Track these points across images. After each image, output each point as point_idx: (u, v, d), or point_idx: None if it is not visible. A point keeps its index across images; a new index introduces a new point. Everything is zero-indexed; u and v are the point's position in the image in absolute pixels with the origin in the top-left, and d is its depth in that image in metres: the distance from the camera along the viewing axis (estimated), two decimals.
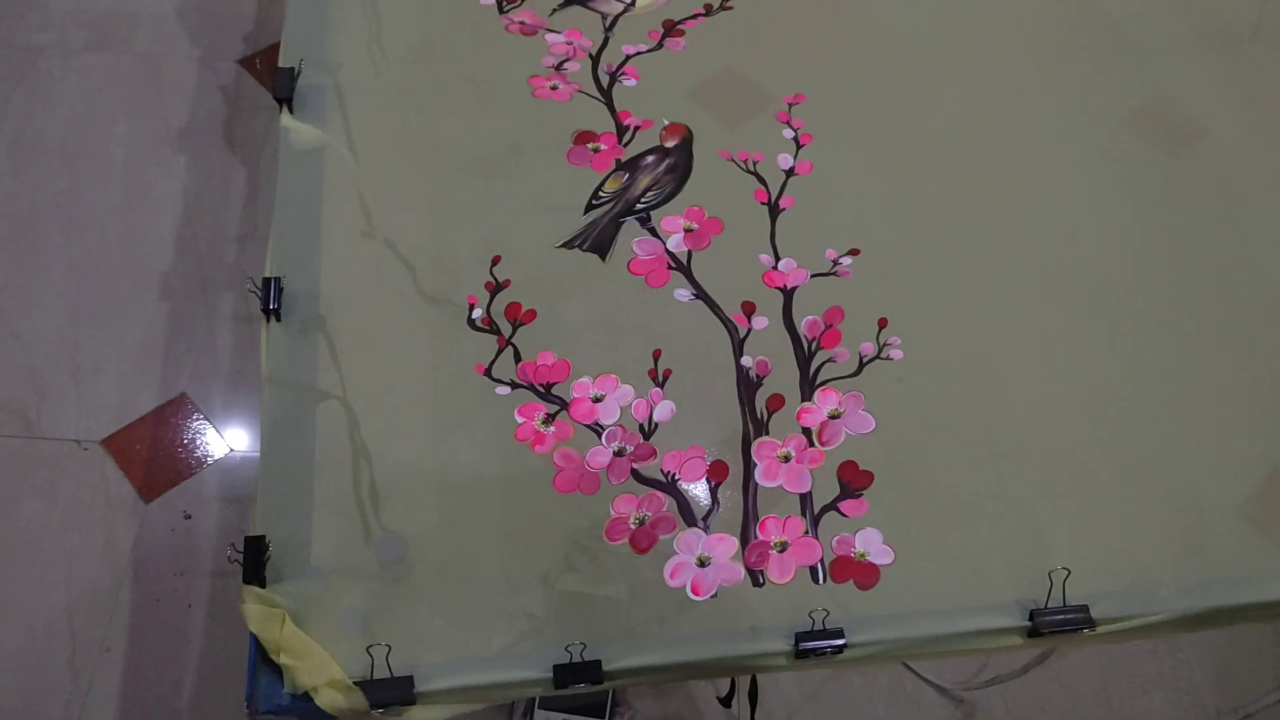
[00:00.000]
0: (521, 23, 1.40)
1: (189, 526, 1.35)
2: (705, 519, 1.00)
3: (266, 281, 1.11)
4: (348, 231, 1.20)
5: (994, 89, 1.40)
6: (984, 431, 1.09)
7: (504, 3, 1.42)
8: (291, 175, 1.23)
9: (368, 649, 0.91)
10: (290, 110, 1.28)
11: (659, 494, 1.02)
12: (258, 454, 1.02)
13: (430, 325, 1.13)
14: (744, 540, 0.99)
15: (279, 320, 1.11)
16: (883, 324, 1.14)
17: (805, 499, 1.02)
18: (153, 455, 1.40)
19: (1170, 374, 1.15)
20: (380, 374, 1.10)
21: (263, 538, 0.96)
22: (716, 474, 1.03)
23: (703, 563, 0.98)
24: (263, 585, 0.94)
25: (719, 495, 1.02)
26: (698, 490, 1.02)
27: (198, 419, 1.43)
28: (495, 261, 1.17)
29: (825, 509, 1.02)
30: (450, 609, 0.96)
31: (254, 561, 0.95)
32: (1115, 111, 1.39)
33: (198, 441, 1.42)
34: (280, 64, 1.31)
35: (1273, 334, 1.19)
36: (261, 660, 0.93)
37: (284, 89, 1.28)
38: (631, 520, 1.00)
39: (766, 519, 1.00)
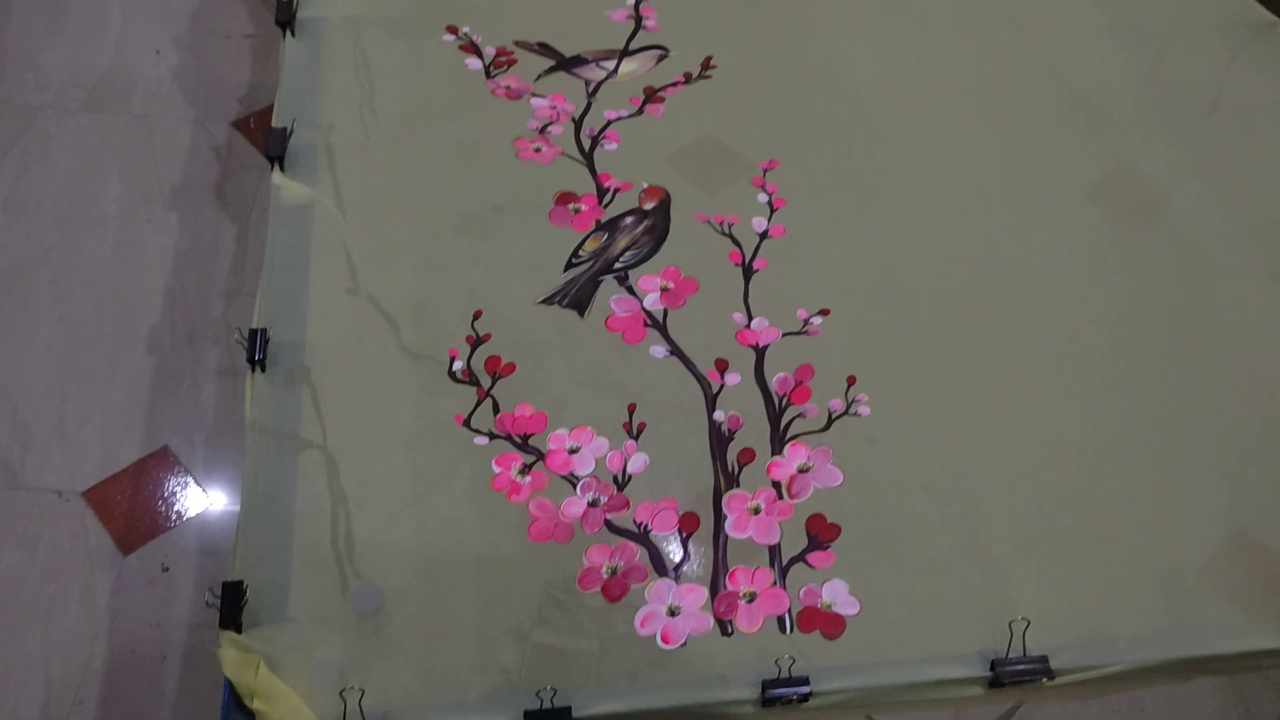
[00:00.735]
0: (508, 87, 1.45)
1: (167, 579, 1.36)
2: (676, 569, 1.02)
3: (253, 333, 1.14)
4: (334, 286, 1.23)
5: (964, 157, 1.45)
6: (951, 487, 1.12)
7: (491, 68, 1.47)
8: (281, 230, 1.26)
9: (340, 693, 0.92)
10: (282, 168, 1.32)
11: (631, 544, 1.04)
12: (238, 507, 1.04)
13: (412, 379, 1.16)
14: (713, 590, 1.01)
15: (264, 371, 1.13)
16: (851, 382, 1.17)
17: (774, 550, 1.04)
18: (133, 507, 1.41)
19: (1135, 436, 1.18)
20: (362, 425, 1.12)
21: (240, 583, 0.98)
22: (688, 525, 1.05)
23: (673, 612, 1.00)
24: (239, 631, 0.96)
25: (690, 546, 1.04)
26: (669, 541, 1.04)
27: (179, 472, 1.45)
28: (477, 316, 1.20)
29: (793, 560, 1.04)
30: (425, 662, 0.97)
31: (231, 607, 0.96)
32: (1081, 180, 1.44)
33: (178, 494, 1.43)
34: (273, 124, 1.35)
35: (1236, 399, 1.23)
36: (235, 706, 0.94)
37: (276, 148, 1.32)
38: (604, 570, 1.02)
39: (736, 570, 1.02)
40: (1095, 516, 1.11)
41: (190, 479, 1.45)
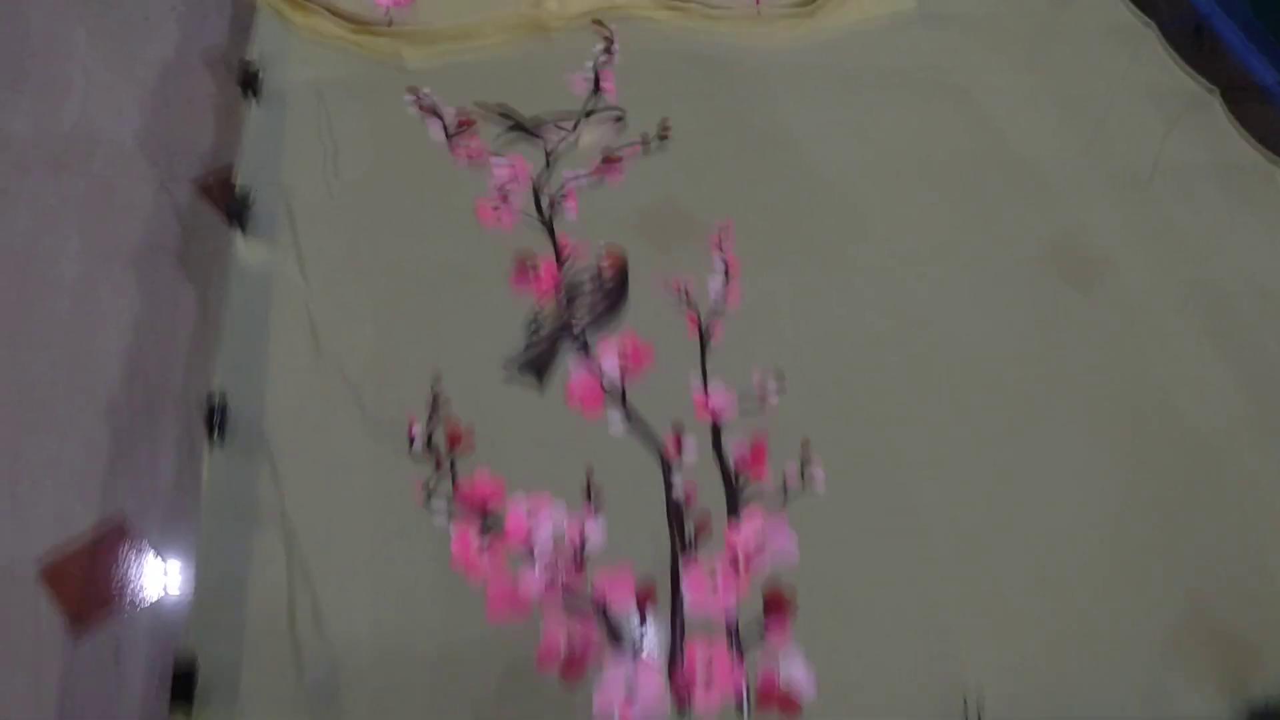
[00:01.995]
0: (468, 150, 1.46)
1: (119, 655, 1.34)
2: (634, 644, 1.02)
3: (211, 402, 1.14)
4: (295, 352, 1.23)
5: (914, 223, 1.48)
6: (907, 557, 1.13)
7: (452, 130, 1.48)
8: (240, 294, 1.27)
9: None
10: (243, 230, 1.32)
11: (589, 621, 1.04)
12: (193, 581, 1.03)
13: (372, 448, 1.16)
14: (670, 664, 1.01)
15: (222, 439, 1.13)
16: (806, 450, 1.19)
17: (730, 620, 1.05)
18: (86, 581, 1.39)
19: (1088, 504, 1.20)
20: (321, 498, 1.12)
21: (193, 659, 0.97)
22: (645, 598, 1.05)
23: (630, 691, 1.00)
24: (189, 712, 0.95)
25: (647, 619, 1.04)
26: (626, 615, 1.04)
27: (134, 543, 1.43)
28: (437, 381, 1.20)
29: (749, 632, 1.04)
30: None
31: (183, 684, 0.95)
32: (1029, 246, 1.47)
33: (133, 567, 1.41)
34: (235, 185, 1.35)
35: (1185, 464, 1.25)
36: None
37: (237, 210, 1.33)
38: (562, 649, 1.02)
39: (693, 644, 1.03)
40: (1051, 590, 1.13)
41: (145, 551, 1.43)
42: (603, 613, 1.04)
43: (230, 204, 1.33)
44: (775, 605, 1.06)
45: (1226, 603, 1.12)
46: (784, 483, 1.16)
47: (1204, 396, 1.32)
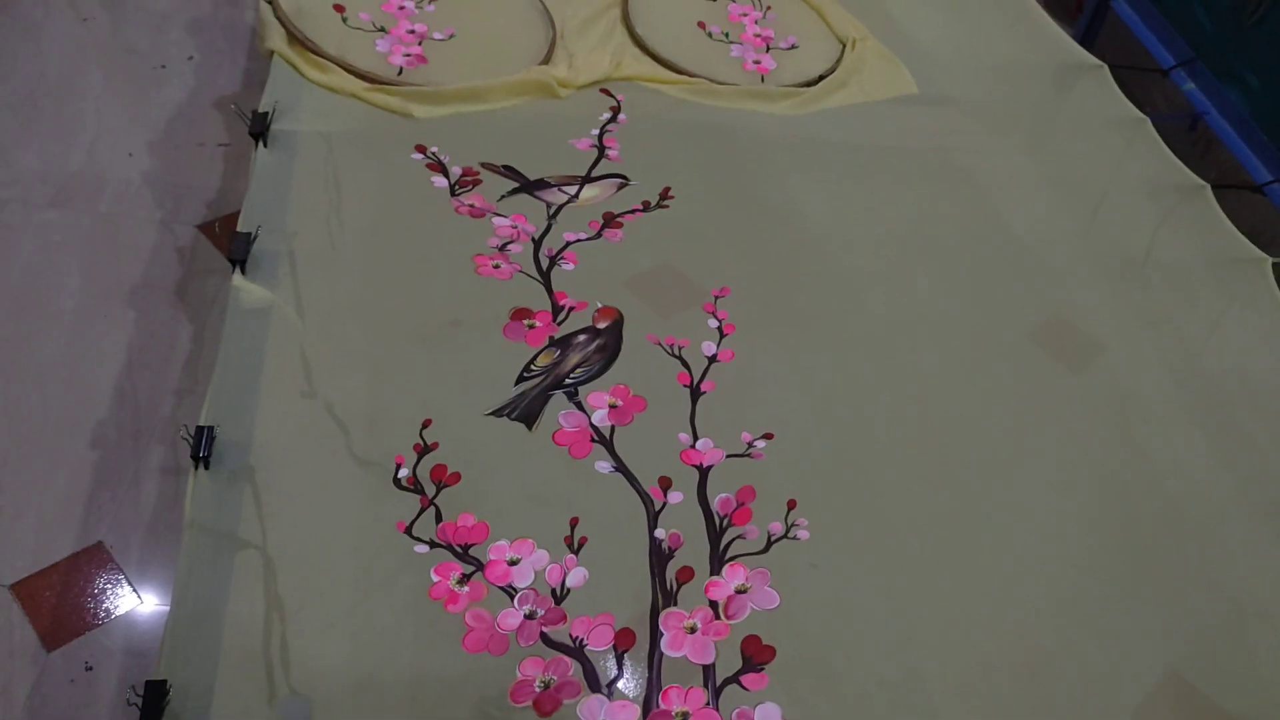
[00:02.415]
0: (471, 205, 1.49)
1: (89, 678, 1.32)
2: (610, 685, 1.02)
3: (199, 429, 1.14)
4: (288, 389, 1.24)
5: (908, 296, 1.51)
6: (888, 618, 1.13)
7: (456, 186, 1.52)
8: (237, 331, 1.28)
9: None
10: (244, 271, 1.34)
11: (566, 658, 1.03)
12: (169, 608, 1.03)
13: (359, 485, 1.16)
14: (646, 709, 1.01)
15: (207, 468, 1.13)
16: (792, 505, 1.19)
17: (708, 670, 1.04)
18: (61, 602, 1.38)
19: (1070, 575, 1.21)
20: (304, 529, 1.11)
21: (164, 683, 0.96)
22: (624, 641, 1.05)
23: None
24: None
25: (624, 662, 1.04)
26: (605, 657, 1.04)
27: (112, 569, 1.42)
28: (426, 424, 1.21)
29: (727, 681, 1.04)
30: None
31: (152, 707, 0.94)
32: (1022, 324, 1.50)
33: (109, 592, 1.40)
34: (238, 228, 1.38)
35: (1170, 542, 1.26)
36: None
37: (239, 251, 1.35)
38: (537, 683, 1.01)
39: (669, 689, 1.02)
40: (1031, 657, 1.12)
41: (123, 577, 1.42)
42: (580, 652, 1.03)
43: (234, 244, 1.35)
44: (754, 652, 1.05)
45: (1208, 679, 1.12)
46: (768, 536, 1.16)
47: (1191, 479, 1.34)
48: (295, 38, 1.67)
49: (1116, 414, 1.40)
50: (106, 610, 1.38)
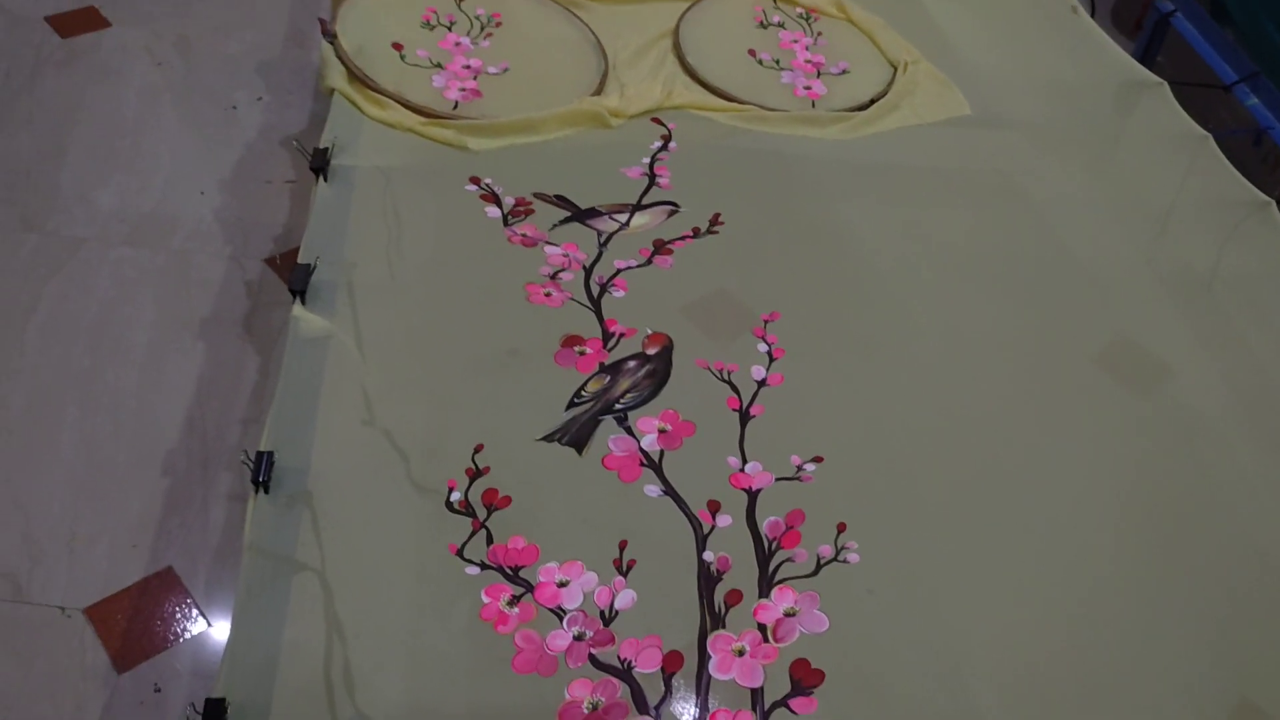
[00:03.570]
0: (524, 235, 1.52)
1: (158, 700, 1.36)
2: (657, 707, 1.02)
3: (259, 455, 1.18)
4: (346, 417, 1.27)
5: (963, 319, 1.49)
6: (940, 643, 1.12)
7: (509, 216, 1.55)
8: (297, 359, 1.31)
9: None
10: (303, 302, 1.38)
11: (614, 680, 1.04)
12: (230, 626, 1.05)
13: (416, 512, 1.18)
14: None
15: (267, 492, 1.16)
16: (841, 529, 1.19)
17: (756, 694, 1.04)
18: (131, 626, 1.42)
19: (1134, 601, 1.18)
20: (360, 553, 1.14)
21: (223, 700, 0.99)
22: (671, 664, 1.06)
23: None
24: None
25: (673, 685, 1.04)
26: (652, 679, 1.05)
27: (180, 593, 1.47)
28: (478, 449, 1.23)
29: (776, 705, 1.03)
30: None
31: None
32: (1084, 348, 1.47)
33: (177, 615, 1.44)
34: (299, 260, 1.42)
35: (1238, 568, 1.22)
36: None
37: (299, 282, 1.39)
38: (585, 705, 1.02)
39: (717, 712, 1.02)
40: (1091, 685, 1.10)
41: (191, 601, 1.46)
42: (628, 674, 1.04)
43: (294, 275, 1.39)
44: (802, 676, 1.05)
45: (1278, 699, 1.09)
46: (818, 559, 1.16)
47: (1261, 506, 1.30)
48: (355, 75, 1.72)
49: (1185, 439, 1.37)
50: (175, 633, 1.43)
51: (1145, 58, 2.23)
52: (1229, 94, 2.03)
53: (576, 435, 1.27)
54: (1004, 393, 1.40)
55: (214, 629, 1.44)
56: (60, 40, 2.34)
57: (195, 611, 1.45)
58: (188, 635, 1.43)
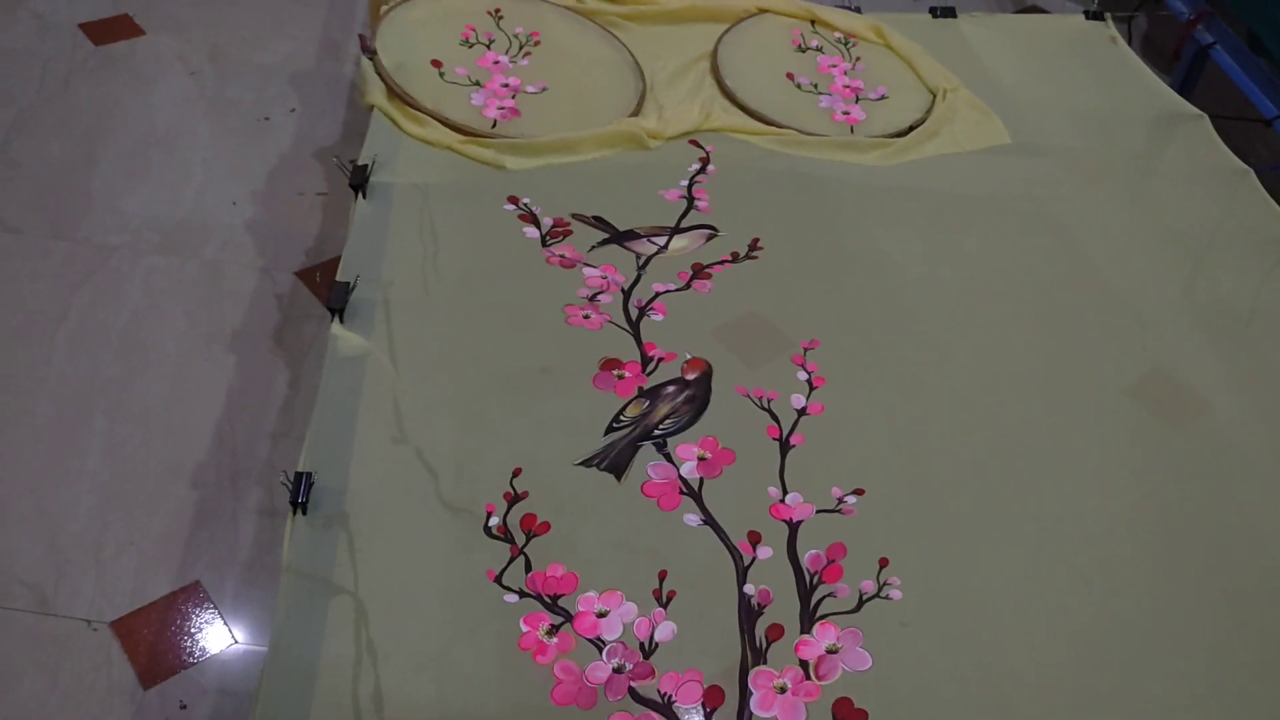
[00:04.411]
0: (562, 256, 1.51)
1: (184, 717, 1.35)
2: None
3: (298, 475, 1.17)
4: (380, 436, 1.26)
5: (1001, 349, 1.48)
6: (982, 680, 1.10)
7: (547, 237, 1.54)
8: (334, 379, 1.30)
9: None
10: (341, 320, 1.37)
11: (654, 715, 1.02)
12: (262, 648, 1.05)
13: (449, 532, 1.17)
14: None
15: (304, 514, 1.15)
16: (884, 564, 1.17)
17: None
18: (158, 640, 1.41)
19: (1172, 639, 1.16)
20: (395, 575, 1.13)
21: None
22: (712, 699, 1.04)
23: None
24: None
25: None
26: (693, 714, 1.03)
27: (208, 608, 1.45)
28: (516, 473, 1.22)
29: None
30: None
31: None
32: (1120, 379, 1.46)
33: (204, 631, 1.43)
34: (338, 278, 1.41)
35: (1270, 602, 1.21)
36: None
37: (338, 300, 1.38)
38: None
39: None
40: (1135, 717, 1.08)
41: (218, 616, 1.45)
42: (668, 708, 1.02)
43: (333, 293, 1.39)
44: (845, 715, 1.03)
45: None
46: (860, 595, 1.14)
47: None
48: (395, 93, 1.71)
49: (1220, 473, 1.36)
50: (202, 649, 1.41)
51: (1184, 89, 2.21)
52: (1269, 128, 2.02)
53: (615, 461, 1.25)
54: (1039, 423, 1.39)
55: (241, 645, 1.42)
56: (93, 47, 2.35)
57: (222, 627, 1.44)
58: (214, 651, 1.42)
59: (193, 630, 1.43)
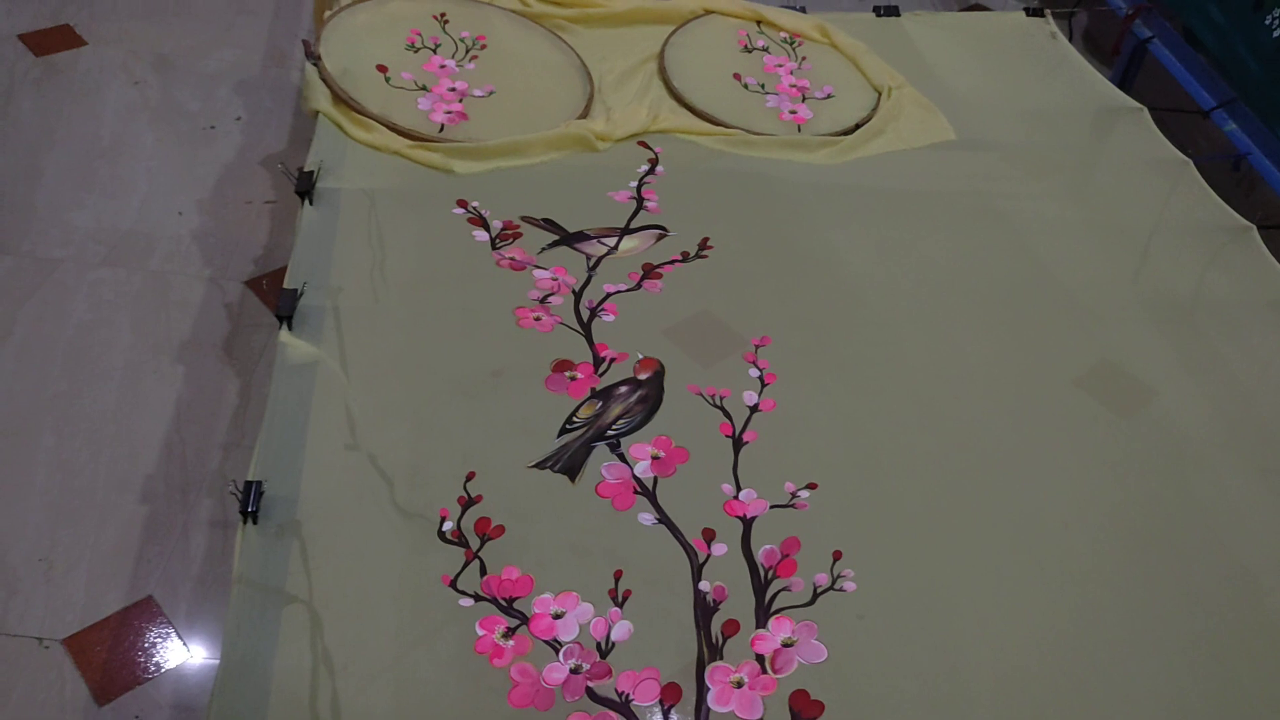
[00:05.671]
0: (512, 259, 1.51)
1: None
2: None
3: (248, 484, 1.16)
4: (332, 443, 1.25)
5: (952, 343, 1.50)
6: (938, 672, 1.11)
7: (497, 240, 1.54)
8: (284, 387, 1.29)
9: None
10: (290, 328, 1.36)
11: (612, 714, 1.02)
12: (217, 661, 1.03)
13: (403, 537, 1.16)
14: None
15: (255, 523, 1.14)
16: (837, 556, 1.18)
17: None
18: (112, 657, 1.39)
19: (1122, 622, 1.18)
20: (350, 582, 1.12)
21: None
22: (670, 697, 1.04)
23: None
24: None
25: (671, 718, 1.03)
26: (651, 712, 1.03)
27: (161, 622, 1.44)
28: (469, 477, 1.22)
29: None
30: None
31: None
32: (1068, 370, 1.48)
33: (158, 645, 1.41)
34: (285, 285, 1.40)
35: (1222, 588, 1.23)
36: None
37: (286, 307, 1.37)
38: None
39: None
40: (1083, 706, 1.10)
41: (172, 630, 1.43)
42: (626, 707, 1.03)
43: (280, 301, 1.38)
44: (802, 707, 1.04)
45: None
46: (814, 588, 1.15)
47: (1244, 526, 1.31)
48: (340, 98, 1.70)
49: (1168, 460, 1.38)
50: (156, 664, 1.40)
51: (1123, 83, 2.25)
52: (1207, 119, 2.06)
53: (569, 462, 1.25)
54: (991, 415, 1.40)
55: (195, 659, 1.41)
56: (35, 58, 2.31)
57: (177, 641, 1.42)
58: (169, 666, 1.40)
59: (146, 645, 1.41)
